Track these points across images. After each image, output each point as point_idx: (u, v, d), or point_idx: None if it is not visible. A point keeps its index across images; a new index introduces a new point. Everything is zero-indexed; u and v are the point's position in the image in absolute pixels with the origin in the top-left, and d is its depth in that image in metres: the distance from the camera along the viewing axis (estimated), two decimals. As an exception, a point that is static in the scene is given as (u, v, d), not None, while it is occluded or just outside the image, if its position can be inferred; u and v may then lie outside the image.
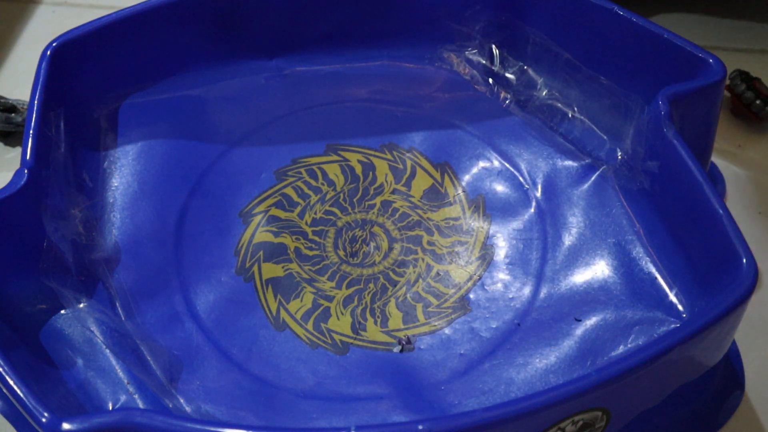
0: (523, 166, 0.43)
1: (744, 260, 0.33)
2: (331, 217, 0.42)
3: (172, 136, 0.43)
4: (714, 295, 0.35)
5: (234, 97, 0.45)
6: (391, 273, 0.41)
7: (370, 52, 0.47)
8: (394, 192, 0.43)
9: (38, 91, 0.39)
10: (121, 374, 0.36)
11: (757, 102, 0.48)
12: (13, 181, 0.36)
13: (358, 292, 0.40)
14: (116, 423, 0.29)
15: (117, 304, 0.38)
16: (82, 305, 0.37)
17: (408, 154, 0.44)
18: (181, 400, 0.35)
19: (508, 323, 0.39)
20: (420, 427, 0.28)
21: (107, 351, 0.36)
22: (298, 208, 0.42)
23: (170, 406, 0.35)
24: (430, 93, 0.46)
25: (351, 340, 0.38)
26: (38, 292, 0.37)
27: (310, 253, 0.41)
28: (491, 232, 0.42)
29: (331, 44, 0.47)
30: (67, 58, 0.41)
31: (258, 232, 0.41)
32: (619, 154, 0.42)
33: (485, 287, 0.40)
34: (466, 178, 0.44)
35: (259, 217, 0.42)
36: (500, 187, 0.43)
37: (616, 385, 0.30)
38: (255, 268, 0.40)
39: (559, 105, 0.45)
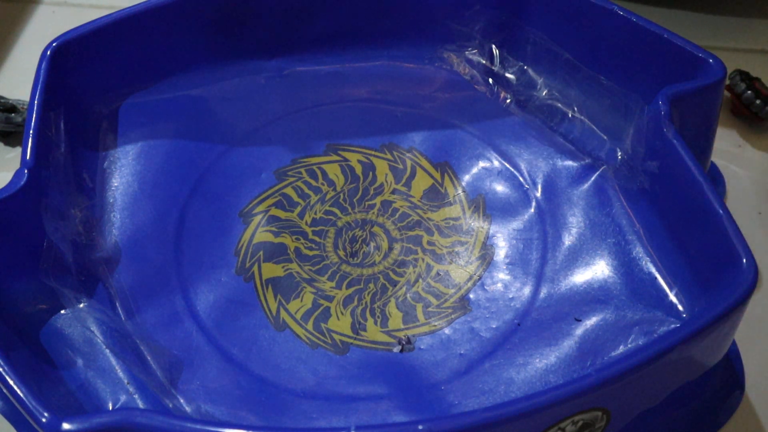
0: (523, 166, 0.43)
1: (744, 260, 0.33)
2: (331, 217, 0.42)
3: (172, 136, 0.43)
4: (714, 295, 0.35)
5: (234, 97, 0.45)
6: (391, 273, 0.41)
7: (370, 52, 0.47)
8: (394, 192, 0.43)
9: (38, 91, 0.39)
10: (121, 374, 0.36)
11: (757, 102, 0.48)
12: (13, 181, 0.36)
13: (358, 292, 0.40)
14: (116, 423, 0.29)
15: (117, 304, 0.38)
16: (82, 305, 0.37)
17: (408, 154, 0.44)
18: (181, 400, 0.35)
19: (508, 323, 0.38)
20: (420, 427, 0.28)
21: (107, 351, 0.36)
22: (298, 208, 0.42)
23: (170, 406, 0.35)
24: (430, 93, 0.46)
25: (351, 340, 0.38)
26: (38, 292, 0.37)
27: (310, 253, 0.41)
28: (491, 232, 0.42)
29: (331, 44, 0.47)
30: (67, 58, 0.41)
31: (258, 232, 0.41)
32: (619, 154, 0.42)
33: (485, 287, 0.40)
34: (466, 178, 0.44)
35: (259, 217, 0.42)
36: (500, 187, 0.43)
37: (616, 385, 0.30)
38: (255, 268, 0.40)
39: (559, 105, 0.45)
